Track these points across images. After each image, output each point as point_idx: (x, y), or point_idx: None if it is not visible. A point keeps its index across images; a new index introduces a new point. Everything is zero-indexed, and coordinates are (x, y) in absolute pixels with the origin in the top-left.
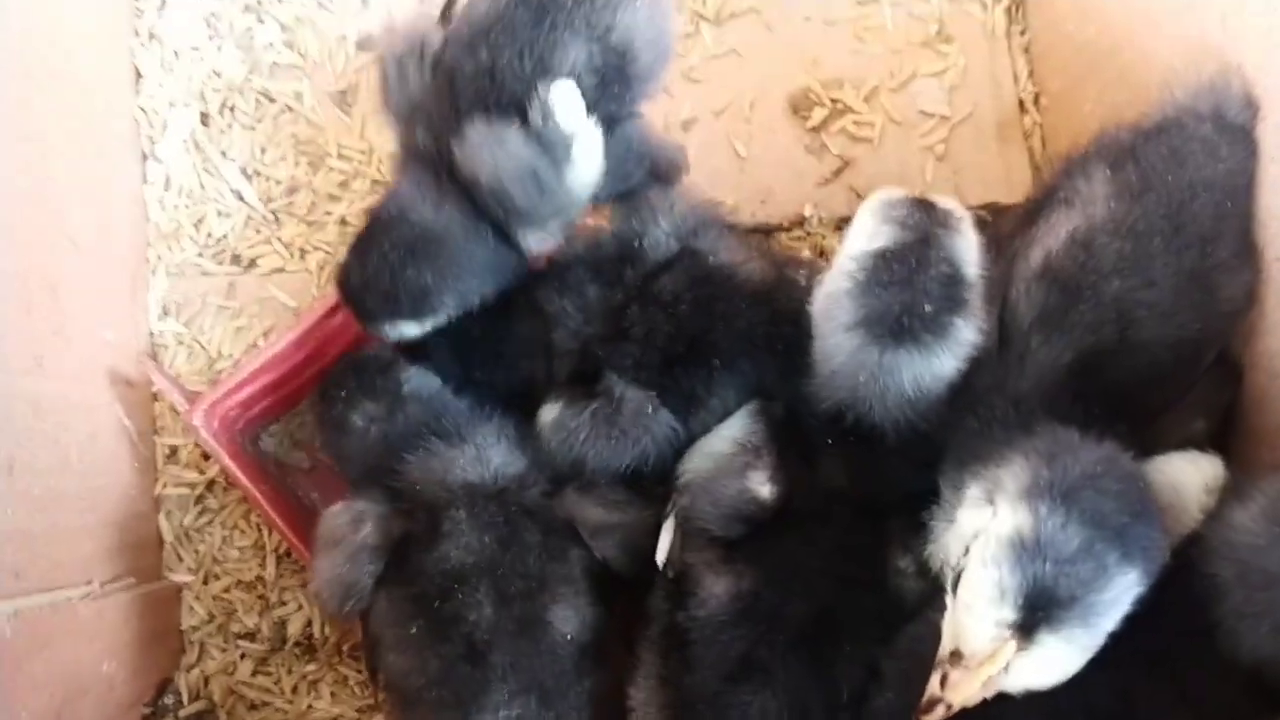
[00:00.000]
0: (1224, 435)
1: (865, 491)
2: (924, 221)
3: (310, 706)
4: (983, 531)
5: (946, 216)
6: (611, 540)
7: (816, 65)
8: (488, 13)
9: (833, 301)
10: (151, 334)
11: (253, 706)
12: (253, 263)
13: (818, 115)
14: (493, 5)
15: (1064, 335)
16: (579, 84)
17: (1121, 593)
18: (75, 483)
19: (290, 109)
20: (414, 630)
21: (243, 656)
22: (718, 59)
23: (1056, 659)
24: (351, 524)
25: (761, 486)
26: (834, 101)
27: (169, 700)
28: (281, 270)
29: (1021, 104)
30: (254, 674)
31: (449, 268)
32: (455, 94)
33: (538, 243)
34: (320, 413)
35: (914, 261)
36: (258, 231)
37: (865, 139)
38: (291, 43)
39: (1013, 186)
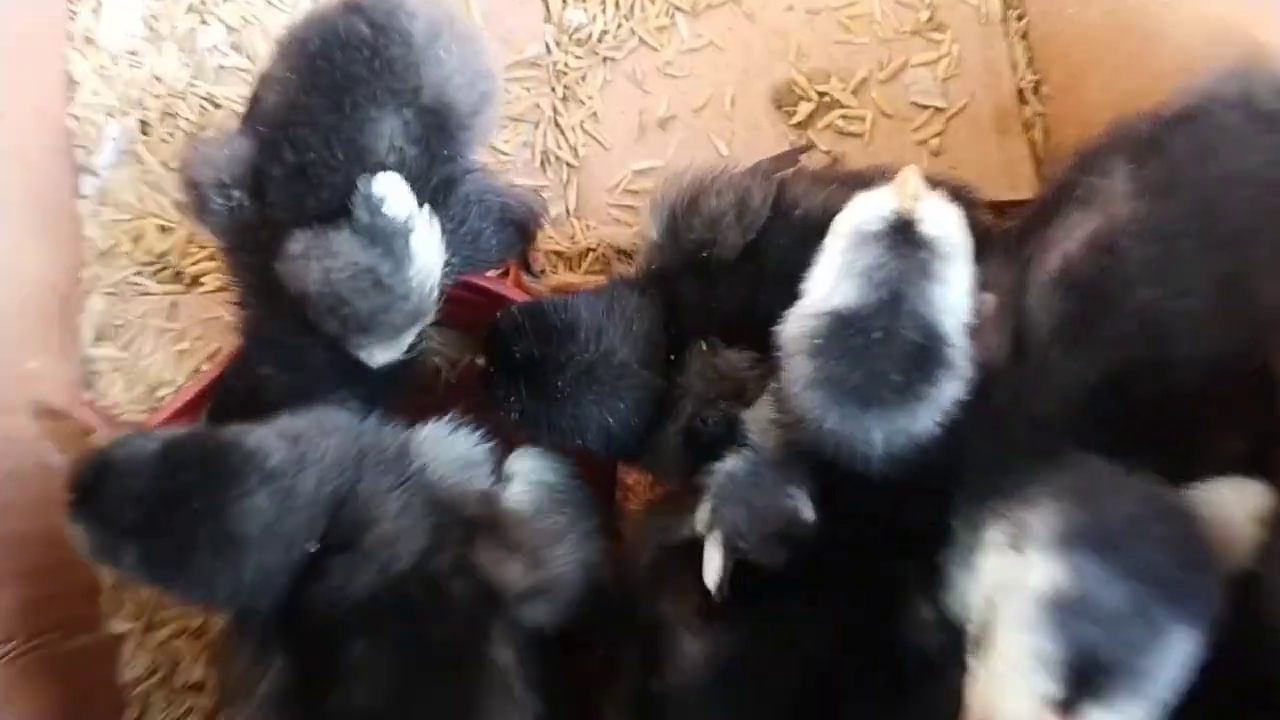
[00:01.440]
0: (1266, 456)
1: (869, 531)
2: (896, 272)
3: None
4: (1009, 583)
5: (929, 257)
6: (544, 604)
7: (801, 57)
8: (279, 105)
9: (795, 348)
10: (87, 359)
11: None
12: (196, 280)
13: (803, 110)
14: (282, 96)
15: (1087, 349)
16: (401, 158)
17: (1177, 655)
18: None
19: (237, 115)
20: None
21: (190, 710)
22: (695, 52)
23: None
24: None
25: (804, 507)
26: (821, 95)
27: None
28: (227, 288)
29: (1021, 93)
30: None
31: None
32: (269, 205)
33: (383, 355)
34: None
35: (879, 331)
36: (202, 247)
37: (855, 134)
38: (238, 45)
39: (1014, 181)
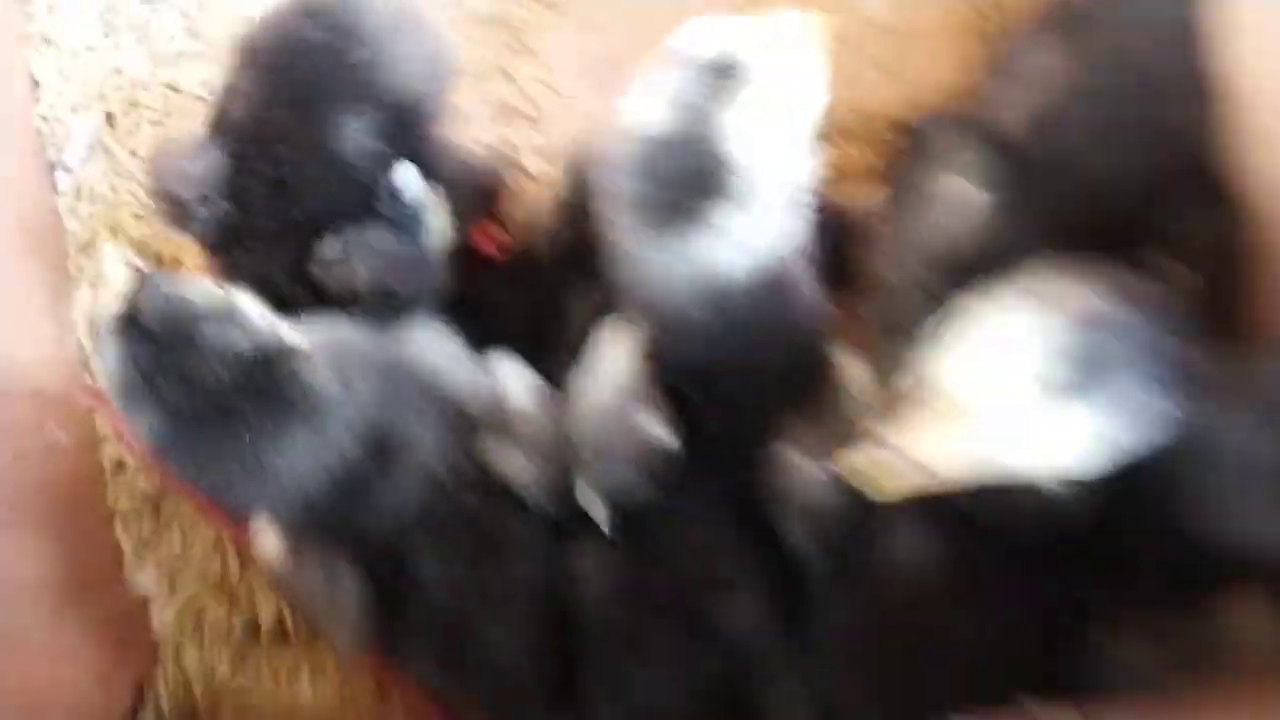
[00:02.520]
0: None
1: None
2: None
3: (294, 695)
4: None
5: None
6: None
7: None
8: (246, 120)
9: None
10: (81, 349)
11: (236, 706)
12: (175, 261)
13: None
14: (247, 111)
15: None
16: (370, 153)
17: None
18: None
19: (200, 98)
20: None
21: (219, 657)
22: None
23: None
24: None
25: (656, 428)
26: None
27: (149, 716)
28: (205, 268)
29: None
30: (234, 674)
31: None
32: (253, 214)
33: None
34: None
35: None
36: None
37: None
38: (194, 30)
39: None
